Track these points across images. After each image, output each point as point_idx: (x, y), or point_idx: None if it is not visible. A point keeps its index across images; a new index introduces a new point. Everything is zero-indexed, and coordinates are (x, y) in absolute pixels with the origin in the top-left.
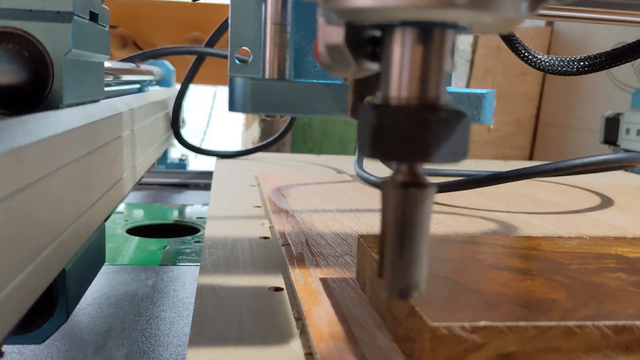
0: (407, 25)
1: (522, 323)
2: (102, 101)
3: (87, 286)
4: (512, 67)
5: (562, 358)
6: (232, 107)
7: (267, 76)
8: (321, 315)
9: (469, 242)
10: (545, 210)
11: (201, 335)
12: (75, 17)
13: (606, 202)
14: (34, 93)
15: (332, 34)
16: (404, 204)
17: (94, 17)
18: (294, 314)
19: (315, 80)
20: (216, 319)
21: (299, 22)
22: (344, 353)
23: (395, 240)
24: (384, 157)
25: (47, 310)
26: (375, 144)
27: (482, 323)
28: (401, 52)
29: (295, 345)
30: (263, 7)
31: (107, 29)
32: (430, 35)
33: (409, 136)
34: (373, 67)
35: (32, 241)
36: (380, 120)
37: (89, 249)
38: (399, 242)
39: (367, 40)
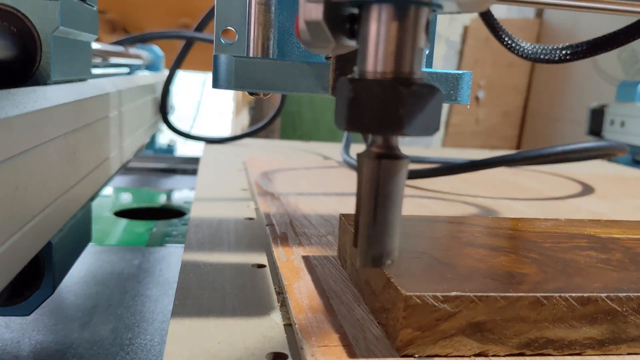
0: (383, 2)
1: (492, 294)
2: (89, 80)
3: (73, 261)
4: (501, 58)
5: (529, 328)
6: (216, 83)
7: (251, 54)
8: (301, 290)
9: (449, 221)
10: (528, 196)
11: (184, 308)
12: None
13: (587, 189)
14: (22, 69)
15: (311, 11)
16: (378, 175)
17: None
18: (275, 288)
19: (299, 60)
20: (199, 292)
21: (283, 3)
22: (322, 324)
23: (370, 210)
24: (359, 129)
25: (33, 282)
26: (351, 117)
27: (453, 293)
28: (377, 28)
29: (276, 317)
30: None
31: (95, 9)
32: (404, 12)
33: (384, 109)
34: (352, 44)
35: (18, 211)
36: (356, 94)
37: (75, 225)
38: (372, 212)
39: (345, 17)
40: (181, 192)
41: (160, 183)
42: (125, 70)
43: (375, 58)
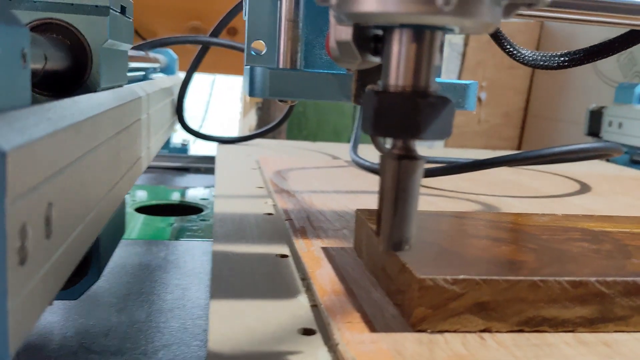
0: (404, 27)
1: (494, 277)
2: (125, 86)
3: (113, 250)
4: (502, 60)
5: (527, 307)
6: (252, 92)
7: (281, 66)
8: (323, 276)
9: (455, 216)
10: (528, 194)
11: (220, 291)
12: (111, 11)
13: (584, 188)
14: (74, 78)
15: (342, 32)
16: (398, 173)
17: (123, 9)
18: (299, 275)
19: (323, 70)
20: (232, 278)
21: (309, 19)
22: (344, 305)
23: (391, 202)
24: (383, 134)
25: (82, 270)
26: (376, 123)
27: (461, 276)
28: (399, 48)
29: (303, 299)
30: (278, 5)
31: (131, 20)
32: (422, 35)
33: (404, 117)
34: (375, 60)
35: (83, 204)
36: (380, 104)
37: (115, 218)
38: (394, 204)
39: (371, 37)
40: (196, 189)
41: (175, 181)
42: (142, 73)
43: (397, 73)
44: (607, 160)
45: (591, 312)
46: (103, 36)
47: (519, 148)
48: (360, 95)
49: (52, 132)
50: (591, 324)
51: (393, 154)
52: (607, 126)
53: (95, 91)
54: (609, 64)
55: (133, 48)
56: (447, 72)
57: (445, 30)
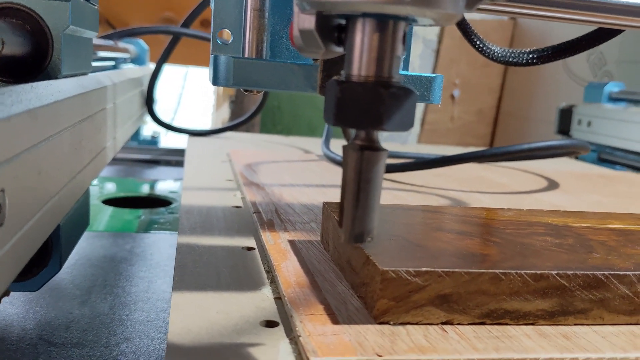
0: (367, 16)
1: (457, 269)
2: (89, 74)
3: (75, 242)
4: (476, 58)
5: (489, 300)
6: (216, 81)
7: (246, 55)
8: (289, 268)
9: (421, 210)
10: (496, 190)
11: (183, 283)
12: None
13: (552, 185)
14: (35, 64)
15: (305, 21)
16: (360, 164)
17: None
18: (264, 268)
19: (289, 61)
20: (196, 270)
21: (275, 8)
22: (308, 297)
23: (353, 194)
24: (345, 124)
25: (42, 260)
26: (339, 114)
27: (424, 269)
28: (361, 38)
29: (267, 292)
30: None
31: (96, 7)
32: (384, 25)
33: (366, 107)
34: (339, 50)
35: (39, 193)
36: (342, 94)
37: (78, 208)
38: (356, 196)
39: (334, 27)
40: (165, 182)
41: (145, 173)
42: (112, 63)
43: (360, 63)
44: (576, 158)
45: (552, 305)
46: (64, 22)
47: (491, 145)
48: (325, 86)
49: (5, 117)
50: (552, 317)
51: (355, 145)
52: (577, 124)
53: (56, 78)
54: (579, 63)
55: (102, 37)
56: (421, 69)
57: (408, 20)
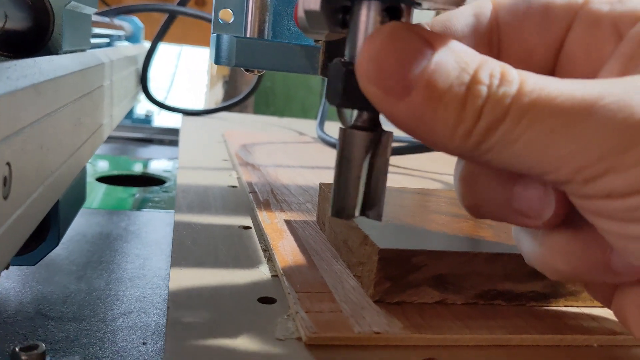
0: None
1: (453, 250)
2: (87, 51)
3: (72, 218)
4: None
5: (484, 281)
6: (218, 60)
7: (248, 35)
8: (285, 247)
9: (417, 192)
10: None
11: (181, 260)
12: None
13: None
14: (36, 39)
15: (310, 1)
16: (341, 140)
17: None
18: (261, 246)
19: (290, 41)
20: (193, 248)
21: None
22: (305, 275)
23: (335, 169)
24: (347, 106)
25: (40, 235)
26: (343, 95)
27: (421, 249)
28: (366, 20)
29: (264, 269)
30: None
31: None
32: (389, 8)
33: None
34: (343, 32)
35: (42, 167)
36: (347, 76)
37: (75, 184)
38: (336, 172)
39: (339, 8)
40: (159, 161)
41: (138, 152)
42: (107, 40)
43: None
44: None
45: (544, 286)
46: None
47: None
48: (327, 67)
49: (12, 92)
50: (544, 299)
51: (355, 125)
52: None
53: (57, 54)
54: None
55: (97, 14)
56: None
57: (414, 4)
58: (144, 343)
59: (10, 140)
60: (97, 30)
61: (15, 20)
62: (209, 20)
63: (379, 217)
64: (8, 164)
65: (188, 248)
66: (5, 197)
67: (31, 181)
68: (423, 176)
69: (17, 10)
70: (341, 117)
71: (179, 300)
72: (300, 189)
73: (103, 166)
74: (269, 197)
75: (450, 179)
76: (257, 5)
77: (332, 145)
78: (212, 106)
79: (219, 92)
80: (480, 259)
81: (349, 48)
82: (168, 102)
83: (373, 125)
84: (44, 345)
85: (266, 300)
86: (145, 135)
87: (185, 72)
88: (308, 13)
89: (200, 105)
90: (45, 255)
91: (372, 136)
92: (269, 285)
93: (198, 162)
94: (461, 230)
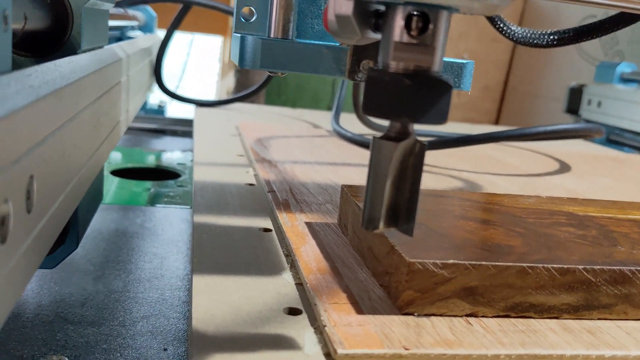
0: (408, 4)
1: (483, 262)
2: (105, 47)
3: (91, 219)
4: (485, 33)
5: (515, 293)
6: (242, 63)
7: (272, 35)
8: (308, 253)
9: (441, 195)
10: (509, 172)
11: (203, 266)
12: None
13: (564, 168)
14: (55, 38)
15: (342, 6)
16: (374, 152)
17: None
18: (283, 251)
19: (315, 42)
20: (214, 252)
21: None
22: (330, 284)
23: (368, 179)
24: (375, 114)
25: (59, 238)
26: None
27: (450, 261)
28: (401, 26)
29: (287, 277)
30: None
31: None
32: (427, 14)
33: (396, 98)
34: (374, 36)
35: (64, 174)
36: (376, 84)
37: (93, 184)
38: (368, 181)
39: (371, 12)
40: (172, 153)
41: (151, 143)
42: (119, 31)
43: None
44: (585, 139)
45: (577, 299)
46: None
47: (497, 122)
48: (355, 70)
49: (34, 101)
50: (576, 311)
51: (383, 134)
52: (587, 104)
53: (75, 53)
54: (591, 42)
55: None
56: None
57: (451, 10)
58: (165, 349)
59: (33, 152)
60: (111, 23)
61: (34, 20)
62: (223, 11)
63: (410, 232)
64: (32, 176)
65: (209, 253)
66: (29, 211)
67: (54, 190)
68: (441, 173)
69: (37, 10)
70: (360, 117)
71: (202, 311)
72: (319, 187)
73: (116, 158)
74: (287, 197)
75: (469, 176)
76: (281, 5)
77: (348, 139)
78: (224, 95)
79: (230, 81)
80: (512, 271)
81: (382, 54)
82: (180, 92)
83: (405, 136)
84: (66, 358)
85: (292, 312)
86: (158, 126)
87: (196, 61)
88: (339, 17)
89: (211, 95)
90: (64, 258)
91: (404, 146)
92: (293, 294)
93: (213, 157)
94: (490, 239)
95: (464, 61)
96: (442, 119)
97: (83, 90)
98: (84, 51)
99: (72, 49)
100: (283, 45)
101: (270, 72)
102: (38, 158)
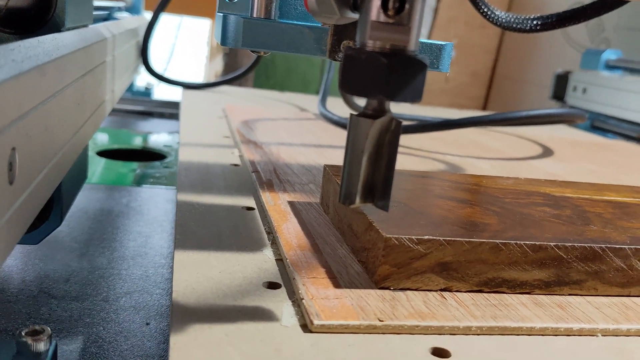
0: None
1: (458, 238)
2: (90, 26)
3: (75, 196)
4: (473, 18)
5: (488, 269)
6: (225, 41)
7: (254, 15)
8: (289, 230)
9: (421, 175)
10: (492, 156)
11: (185, 242)
12: None
13: (547, 152)
14: (39, 15)
15: None
16: (351, 129)
17: None
18: (265, 229)
19: (297, 22)
20: (197, 229)
21: None
22: (309, 260)
23: (345, 158)
24: (352, 92)
25: (43, 214)
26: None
27: (426, 237)
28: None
29: (268, 253)
30: None
31: None
32: None
33: (374, 77)
34: (354, 16)
35: (47, 149)
36: (353, 62)
37: (77, 162)
38: (345, 159)
39: None
40: (159, 135)
41: (138, 125)
42: (106, 12)
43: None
44: (569, 125)
45: (548, 275)
46: None
47: (484, 108)
48: (336, 50)
49: (17, 75)
50: (547, 287)
51: (363, 112)
52: (572, 91)
53: (59, 31)
54: (577, 29)
55: None
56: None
57: None
58: (148, 323)
59: (16, 125)
60: (97, 3)
61: None
62: None
63: (385, 208)
64: (14, 148)
65: (191, 230)
66: (11, 182)
67: (36, 164)
68: (425, 156)
69: None
70: (345, 98)
71: (183, 285)
72: (303, 168)
73: (103, 139)
74: (271, 177)
75: (452, 159)
76: None
77: (334, 122)
78: (212, 78)
79: (218, 64)
80: (485, 247)
81: (359, 33)
82: (168, 75)
83: (382, 113)
84: (49, 329)
85: (271, 285)
86: (145, 108)
87: (184, 44)
88: None
89: (200, 78)
90: (48, 234)
91: (381, 123)
92: (273, 270)
93: (199, 139)
94: (466, 216)
95: (443, 42)
96: (417, 97)
97: (66, 67)
98: (69, 29)
99: (56, 27)
100: (265, 25)
101: (252, 51)
102: (21, 131)
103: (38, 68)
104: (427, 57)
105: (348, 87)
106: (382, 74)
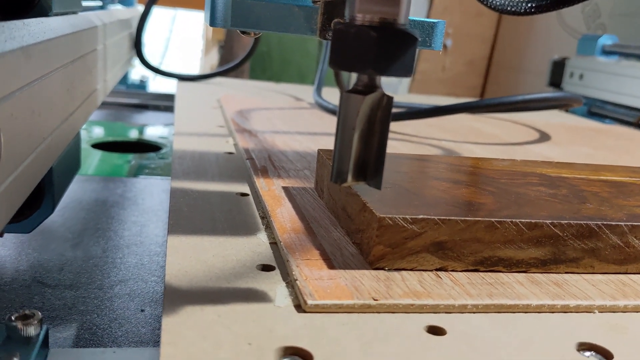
0: None
1: (453, 217)
2: (80, 14)
3: (67, 185)
4: (469, 7)
5: (484, 248)
6: (213, 21)
7: None
8: (284, 214)
9: (417, 158)
10: (488, 141)
11: (178, 227)
12: None
13: (544, 137)
14: (25, 0)
15: None
16: (342, 106)
17: None
18: (259, 214)
19: (287, 1)
20: (190, 214)
21: None
22: (304, 242)
23: (336, 135)
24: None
25: (35, 202)
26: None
27: (420, 216)
28: None
29: (262, 237)
30: None
31: None
32: None
33: (363, 51)
34: None
35: (34, 133)
36: (342, 36)
37: (69, 151)
38: (336, 137)
39: None
40: (154, 127)
41: (133, 118)
42: (99, 3)
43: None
44: (566, 111)
45: (544, 253)
46: None
47: (482, 96)
48: (326, 29)
49: (0, 54)
50: (544, 265)
51: (354, 88)
52: (569, 77)
53: (47, 16)
54: (573, 15)
55: None
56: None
57: None
58: (142, 310)
59: (1, 105)
60: None
61: None
62: None
63: (378, 186)
64: None
65: (185, 215)
66: None
67: (23, 146)
68: (420, 142)
69: None
70: (339, 84)
71: (176, 268)
72: (298, 155)
73: (98, 132)
74: (266, 163)
75: (448, 145)
76: None
77: (329, 111)
78: (208, 71)
79: (214, 57)
80: (480, 226)
81: (348, 7)
82: (163, 67)
83: (373, 89)
84: (40, 313)
85: (265, 268)
86: (141, 101)
87: (180, 37)
88: None
89: (195, 71)
90: (40, 223)
91: (372, 99)
92: (267, 253)
93: (194, 128)
94: (461, 197)
95: (434, 20)
96: (407, 71)
97: (54, 52)
98: (56, 14)
99: (43, 12)
100: (254, 4)
101: (242, 32)
102: (6, 112)
103: (23, 49)
104: (417, 32)
105: (338, 63)
106: (371, 48)
